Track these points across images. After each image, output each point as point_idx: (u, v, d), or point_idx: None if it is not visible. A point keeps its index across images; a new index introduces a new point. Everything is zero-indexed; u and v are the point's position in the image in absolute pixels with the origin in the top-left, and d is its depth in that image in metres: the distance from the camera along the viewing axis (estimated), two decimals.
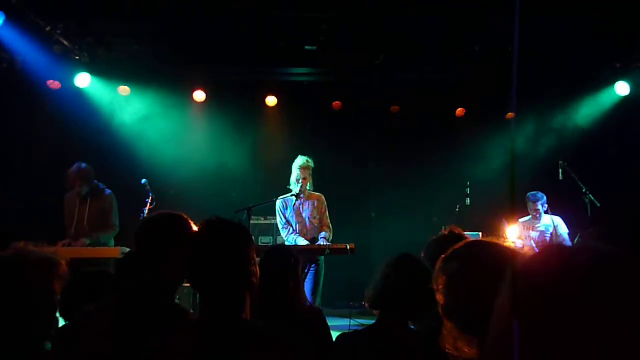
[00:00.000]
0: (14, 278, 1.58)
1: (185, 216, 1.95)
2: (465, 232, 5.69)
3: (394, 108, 7.23)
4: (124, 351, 1.60)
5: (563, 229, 5.75)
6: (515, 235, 5.73)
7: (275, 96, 7.09)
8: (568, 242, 5.64)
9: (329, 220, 5.22)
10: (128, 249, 4.22)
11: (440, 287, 1.32)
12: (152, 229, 1.93)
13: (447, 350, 1.28)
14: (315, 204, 5.18)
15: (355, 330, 2.05)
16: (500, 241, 1.34)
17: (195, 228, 1.93)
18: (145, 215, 4.67)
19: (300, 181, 5.06)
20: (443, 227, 2.88)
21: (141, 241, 1.89)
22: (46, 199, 5.61)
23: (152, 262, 1.84)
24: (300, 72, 6.90)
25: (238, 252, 1.55)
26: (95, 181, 4.96)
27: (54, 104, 6.35)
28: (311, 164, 5.14)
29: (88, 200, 4.89)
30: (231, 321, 1.49)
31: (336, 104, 7.16)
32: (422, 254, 2.39)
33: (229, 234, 1.57)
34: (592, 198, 5.41)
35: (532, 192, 5.79)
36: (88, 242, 4.69)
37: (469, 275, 1.26)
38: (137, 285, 1.83)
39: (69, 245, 4.63)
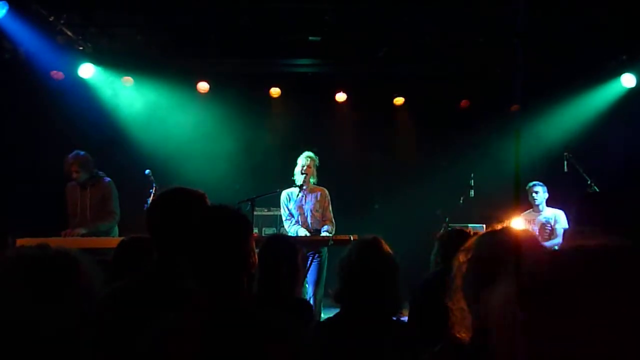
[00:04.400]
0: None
1: (201, 192, 1.93)
2: (469, 225, 5.70)
3: (398, 100, 7.21)
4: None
5: (562, 225, 5.72)
6: (519, 228, 5.72)
7: (279, 87, 7.07)
8: (559, 239, 5.62)
9: (332, 215, 5.24)
10: None
11: (468, 248, 1.41)
12: (170, 206, 1.89)
13: (448, 305, 1.36)
14: (318, 197, 5.20)
15: (330, 318, 2.06)
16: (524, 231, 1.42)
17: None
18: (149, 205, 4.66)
19: (303, 171, 5.10)
20: (446, 220, 2.89)
21: (158, 219, 1.86)
22: (50, 189, 5.62)
23: (170, 242, 1.81)
24: (304, 64, 6.87)
25: (236, 241, 1.55)
26: (96, 170, 4.95)
27: (58, 95, 6.35)
28: (316, 159, 5.20)
29: (88, 189, 4.87)
30: (227, 308, 1.50)
31: (340, 95, 7.14)
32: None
33: (228, 222, 1.58)
34: (597, 190, 5.38)
35: (532, 182, 5.80)
36: (84, 231, 4.65)
37: (494, 253, 1.34)
38: (156, 268, 1.82)
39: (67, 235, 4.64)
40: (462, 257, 1.41)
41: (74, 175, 4.81)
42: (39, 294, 1.47)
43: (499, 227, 1.49)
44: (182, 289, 1.82)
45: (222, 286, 1.52)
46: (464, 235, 2.58)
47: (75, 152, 4.85)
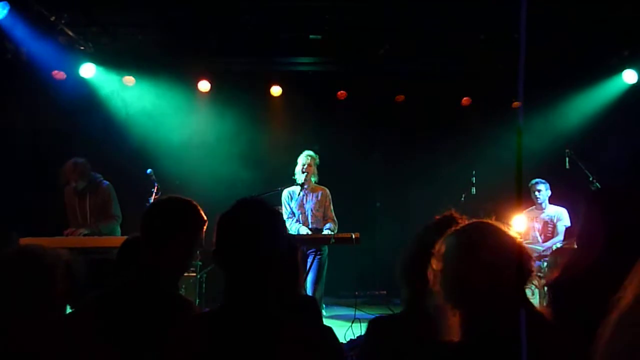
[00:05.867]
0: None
1: (194, 202, 1.94)
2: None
3: (399, 97, 7.21)
4: (125, 342, 1.60)
5: (564, 222, 5.71)
6: (522, 226, 5.72)
7: (280, 86, 7.07)
8: (560, 237, 5.62)
9: (333, 214, 5.26)
10: None
11: (439, 255, 1.39)
12: (158, 212, 1.91)
13: (432, 312, 1.37)
14: (319, 197, 5.22)
15: (390, 315, 2.00)
16: (505, 228, 1.38)
17: (203, 215, 1.94)
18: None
19: (304, 170, 5.12)
20: None
21: (146, 225, 1.87)
22: (53, 189, 5.65)
23: (155, 247, 1.82)
24: (305, 62, 6.87)
25: (277, 234, 1.47)
26: (93, 173, 4.93)
27: (59, 95, 6.36)
28: (317, 158, 5.22)
29: (87, 196, 4.87)
30: (257, 309, 1.42)
31: (341, 93, 7.13)
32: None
33: (269, 214, 1.49)
34: (600, 186, 5.38)
35: (534, 180, 5.80)
36: (86, 232, 4.67)
37: (463, 257, 1.34)
38: (137, 273, 1.83)
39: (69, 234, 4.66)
40: (434, 265, 1.40)
41: (73, 184, 4.83)
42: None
43: (461, 225, 1.44)
44: (172, 295, 1.83)
45: (252, 284, 1.44)
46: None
47: (73, 160, 4.84)
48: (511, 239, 1.35)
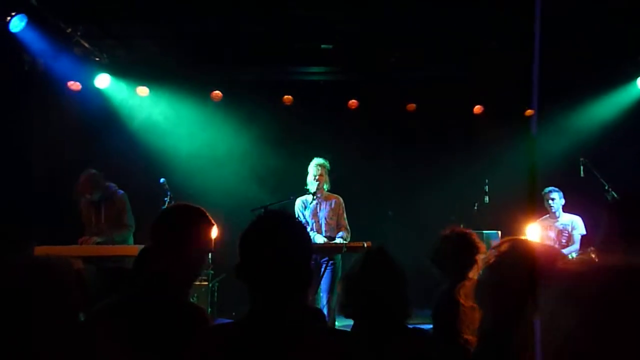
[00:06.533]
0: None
1: (202, 209, 1.95)
2: (484, 231, 5.62)
3: (411, 106, 7.19)
4: (135, 349, 1.60)
5: (579, 231, 5.64)
6: (536, 234, 5.65)
7: (292, 96, 7.10)
8: (576, 246, 5.55)
9: (346, 222, 5.25)
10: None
11: (491, 253, 1.44)
12: (167, 218, 1.93)
13: (459, 299, 1.40)
14: (333, 205, 5.21)
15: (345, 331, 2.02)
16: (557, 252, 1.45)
17: (211, 220, 1.94)
18: None
19: (316, 179, 5.12)
20: (462, 226, 2.86)
21: (155, 232, 1.89)
22: (68, 197, 5.71)
23: (165, 253, 1.83)
24: (316, 72, 6.90)
25: (303, 247, 1.48)
26: (109, 183, 4.95)
27: (75, 105, 6.45)
28: (327, 164, 5.20)
29: (102, 206, 4.88)
30: (281, 321, 1.42)
31: (352, 102, 7.15)
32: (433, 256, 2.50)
33: (296, 227, 1.50)
34: (615, 195, 5.31)
35: (548, 188, 5.74)
36: (99, 240, 4.69)
37: (509, 267, 1.37)
38: (148, 280, 1.83)
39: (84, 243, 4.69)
40: (484, 260, 1.43)
41: (87, 196, 4.83)
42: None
43: (520, 238, 1.48)
44: (183, 302, 1.83)
45: (281, 296, 1.43)
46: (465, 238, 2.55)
47: (85, 172, 4.85)
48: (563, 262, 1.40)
